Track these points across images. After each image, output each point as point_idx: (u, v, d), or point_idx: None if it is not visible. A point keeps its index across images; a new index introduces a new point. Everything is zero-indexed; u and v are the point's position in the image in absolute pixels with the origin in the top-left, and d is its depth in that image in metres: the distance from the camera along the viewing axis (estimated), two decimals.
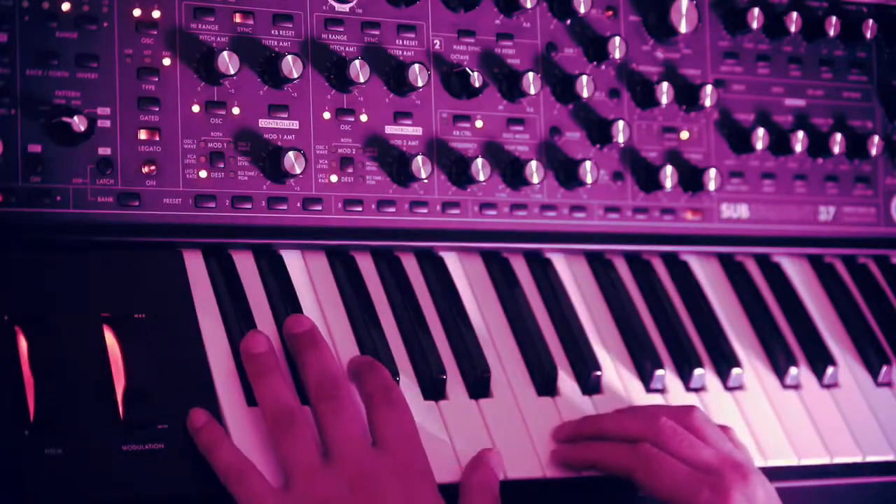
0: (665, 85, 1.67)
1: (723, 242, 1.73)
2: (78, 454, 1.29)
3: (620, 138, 1.64)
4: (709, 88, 1.69)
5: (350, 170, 1.54)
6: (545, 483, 1.45)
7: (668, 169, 1.66)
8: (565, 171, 1.64)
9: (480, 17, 1.62)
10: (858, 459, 1.61)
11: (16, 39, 1.41)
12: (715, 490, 1.36)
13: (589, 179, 1.62)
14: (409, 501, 1.28)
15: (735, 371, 1.61)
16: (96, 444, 1.30)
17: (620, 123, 1.64)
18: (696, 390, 1.60)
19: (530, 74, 1.59)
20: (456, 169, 1.59)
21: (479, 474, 1.37)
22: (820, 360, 1.67)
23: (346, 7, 1.56)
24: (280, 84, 1.51)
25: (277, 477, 1.31)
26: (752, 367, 1.64)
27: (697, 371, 1.60)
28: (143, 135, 1.46)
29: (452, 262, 1.59)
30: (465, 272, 1.59)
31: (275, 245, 1.52)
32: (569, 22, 1.66)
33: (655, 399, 1.56)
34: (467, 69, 1.58)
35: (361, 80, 1.52)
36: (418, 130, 1.58)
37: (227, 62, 1.46)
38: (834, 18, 1.76)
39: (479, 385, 1.49)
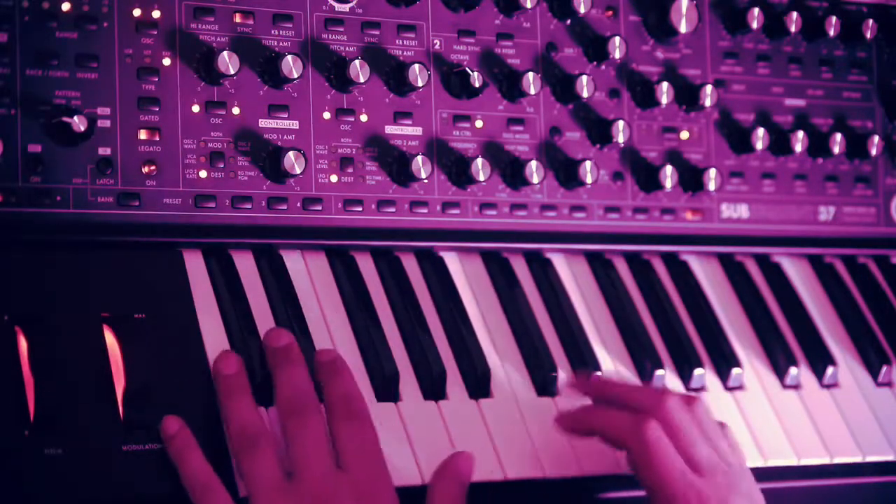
0: (665, 85, 1.67)
1: (723, 242, 1.73)
2: (78, 454, 1.29)
3: (620, 138, 1.64)
4: (709, 88, 1.69)
5: (350, 170, 1.54)
6: (546, 483, 1.45)
7: (668, 169, 1.66)
8: (565, 171, 1.64)
9: (480, 17, 1.62)
10: (858, 459, 1.60)
11: (16, 39, 1.41)
12: (697, 498, 1.36)
13: (589, 179, 1.62)
14: None
15: (735, 371, 1.61)
16: (96, 444, 1.30)
17: (620, 123, 1.64)
18: (696, 390, 1.60)
19: (530, 74, 1.59)
20: (456, 169, 1.59)
21: (445, 476, 1.36)
22: (820, 360, 1.67)
23: (346, 7, 1.56)
24: (280, 84, 1.51)
25: None
26: (752, 367, 1.64)
27: (697, 371, 1.60)
28: (143, 135, 1.46)
29: (452, 262, 1.59)
30: (465, 272, 1.59)
31: (275, 245, 1.52)
32: (569, 22, 1.66)
33: None
34: (467, 69, 1.58)
35: (361, 80, 1.52)
36: (418, 130, 1.58)
37: (227, 62, 1.46)
38: (834, 18, 1.76)
39: (479, 385, 1.49)
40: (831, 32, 1.76)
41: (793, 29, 1.74)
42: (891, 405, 1.67)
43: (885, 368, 1.69)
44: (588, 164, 1.62)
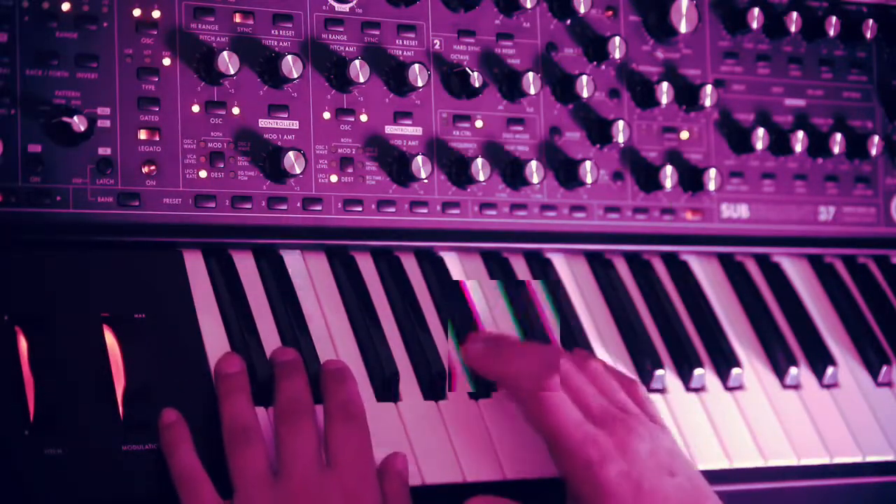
0: (665, 85, 1.67)
1: (723, 242, 1.73)
2: (78, 454, 1.29)
3: (620, 138, 1.64)
4: (709, 88, 1.69)
5: (350, 170, 1.54)
6: (548, 482, 1.45)
7: (668, 169, 1.66)
8: (565, 171, 1.64)
9: (480, 17, 1.62)
10: (858, 459, 1.60)
11: (16, 39, 1.41)
12: (593, 443, 1.34)
13: (589, 179, 1.62)
14: None
15: (735, 371, 1.61)
16: (96, 444, 1.30)
17: (620, 123, 1.64)
18: (696, 390, 1.60)
19: (530, 74, 1.59)
20: (456, 169, 1.59)
21: (388, 475, 1.36)
22: (820, 360, 1.67)
23: (346, 7, 1.56)
24: (280, 84, 1.51)
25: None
26: (752, 367, 1.64)
27: (697, 371, 1.60)
28: (143, 135, 1.46)
29: (452, 262, 1.59)
30: (465, 272, 1.59)
31: (275, 245, 1.52)
32: (569, 22, 1.66)
33: (655, 399, 1.56)
34: (467, 69, 1.58)
35: (361, 80, 1.52)
36: (418, 130, 1.58)
37: (227, 62, 1.46)
38: (834, 18, 1.76)
39: (479, 385, 1.49)
40: (831, 32, 1.76)
41: (793, 29, 1.74)
42: (891, 405, 1.67)
43: (885, 368, 1.69)
44: (588, 164, 1.62)
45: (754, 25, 1.72)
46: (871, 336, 1.72)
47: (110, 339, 1.37)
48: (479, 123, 1.61)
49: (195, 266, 1.47)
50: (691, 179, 1.70)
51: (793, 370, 1.64)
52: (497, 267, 1.61)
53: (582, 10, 1.63)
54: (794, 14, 1.74)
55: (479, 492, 1.39)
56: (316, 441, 1.33)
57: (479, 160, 1.57)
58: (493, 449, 1.45)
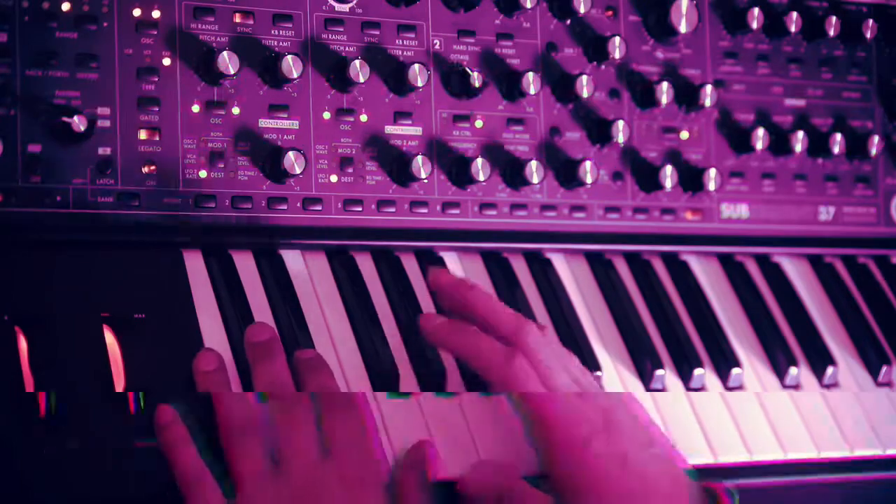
0: (665, 85, 1.67)
1: (723, 242, 1.73)
2: (78, 454, 1.29)
3: (620, 138, 1.64)
4: (709, 88, 1.69)
5: (350, 170, 1.54)
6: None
7: (668, 169, 1.66)
8: (565, 171, 1.64)
9: (480, 16, 1.62)
10: (847, 454, 1.60)
11: (16, 39, 1.41)
12: (581, 415, 1.35)
13: (589, 179, 1.62)
14: None
15: (735, 371, 1.61)
16: (96, 444, 1.30)
17: (620, 123, 1.64)
18: (697, 390, 1.60)
19: (530, 74, 1.59)
20: (456, 169, 1.59)
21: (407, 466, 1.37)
22: (820, 360, 1.67)
23: (346, 7, 1.56)
24: (280, 84, 1.52)
25: None
26: (752, 367, 1.64)
27: (697, 371, 1.60)
28: (143, 135, 1.46)
29: (453, 262, 1.59)
30: (465, 272, 1.59)
31: (275, 245, 1.52)
32: (569, 22, 1.66)
33: (655, 398, 1.56)
34: (467, 69, 1.58)
35: (361, 80, 1.52)
36: (418, 130, 1.58)
37: (227, 62, 1.46)
38: (834, 18, 1.76)
39: (478, 384, 1.49)
40: (831, 32, 1.76)
41: (793, 29, 1.74)
42: (889, 406, 1.67)
43: (884, 368, 1.69)
44: (588, 164, 1.62)
45: (754, 25, 1.72)
46: (871, 336, 1.73)
47: (110, 339, 1.37)
48: (479, 123, 1.61)
49: (195, 266, 1.47)
50: (691, 179, 1.70)
51: (793, 370, 1.64)
52: (497, 267, 1.61)
53: (582, 10, 1.63)
54: (794, 14, 1.74)
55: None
56: (312, 428, 1.32)
57: (479, 160, 1.57)
58: (493, 449, 1.45)
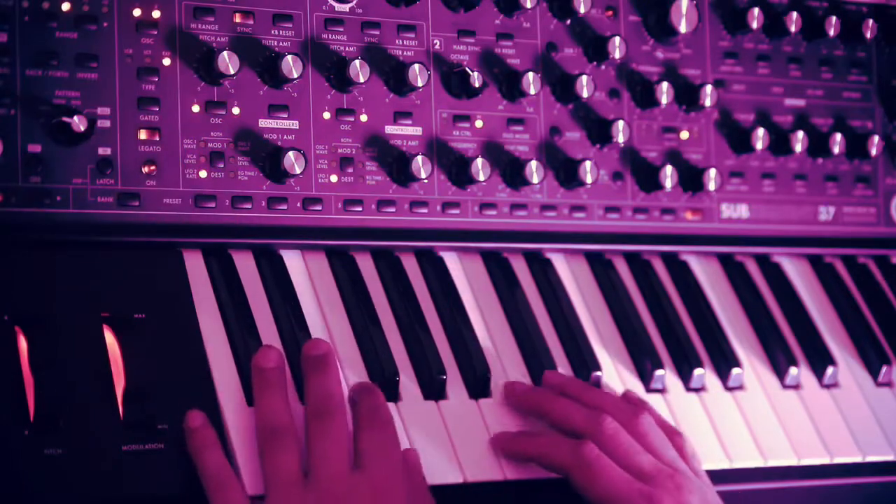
0: (665, 85, 1.67)
1: (723, 242, 1.73)
2: (78, 454, 1.29)
3: (620, 138, 1.64)
4: (709, 88, 1.69)
5: (350, 170, 1.54)
6: (547, 482, 1.45)
7: (668, 169, 1.66)
8: (565, 171, 1.64)
9: (480, 17, 1.62)
10: (858, 459, 1.61)
11: (16, 39, 1.41)
12: (647, 499, 1.36)
13: (589, 179, 1.62)
14: None
15: (735, 371, 1.61)
16: (96, 444, 1.30)
17: (620, 123, 1.64)
18: (696, 390, 1.60)
19: (530, 74, 1.59)
20: (456, 169, 1.59)
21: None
22: (820, 360, 1.67)
23: (346, 7, 1.56)
24: (280, 84, 1.51)
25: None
26: (752, 367, 1.64)
27: (697, 371, 1.60)
28: (143, 135, 1.46)
29: (452, 262, 1.59)
30: (465, 272, 1.59)
31: (275, 245, 1.52)
32: (569, 22, 1.66)
33: (655, 399, 1.56)
34: (467, 69, 1.58)
35: (361, 80, 1.52)
36: (418, 130, 1.58)
37: (227, 62, 1.46)
38: (834, 18, 1.76)
39: (479, 385, 1.49)
40: (831, 32, 1.76)
41: (793, 29, 1.74)
42: (891, 405, 1.67)
43: (884, 368, 1.69)
44: (588, 164, 1.62)
45: (754, 25, 1.72)
46: (871, 336, 1.73)
47: (110, 339, 1.37)
48: (479, 123, 1.61)
49: (195, 266, 1.47)
50: (691, 179, 1.70)
51: (793, 370, 1.64)
52: (497, 267, 1.60)
53: (582, 10, 1.63)
54: (794, 14, 1.74)
55: (479, 493, 1.39)
56: (346, 441, 1.32)
57: (479, 160, 1.57)
58: (494, 449, 1.45)
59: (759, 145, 1.72)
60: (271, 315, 1.46)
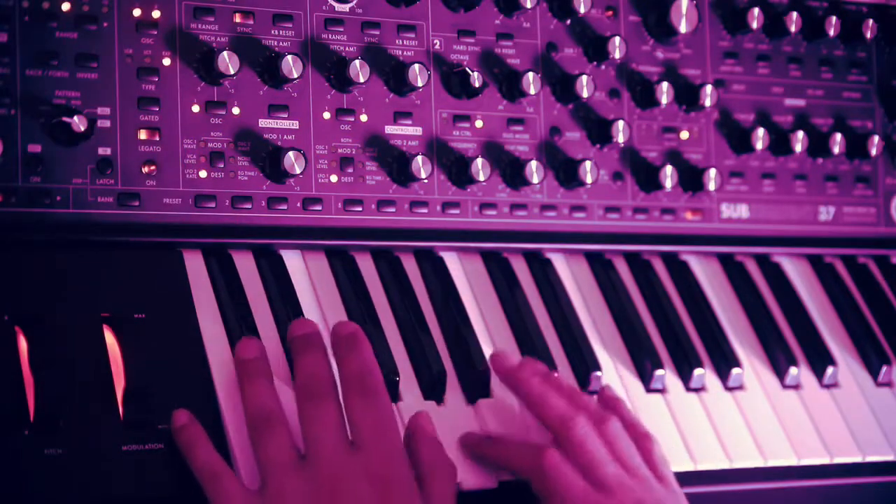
0: (665, 85, 1.67)
1: (723, 242, 1.73)
2: (78, 454, 1.29)
3: (620, 138, 1.64)
4: (709, 88, 1.69)
5: (350, 170, 1.54)
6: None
7: (668, 169, 1.66)
8: (565, 171, 1.64)
9: (480, 17, 1.62)
10: (858, 459, 1.61)
11: (16, 39, 1.41)
12: None
13: (589, 179, 1.62)
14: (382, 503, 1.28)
15: (735, 371, 1.61)
16: (96, 444, 1.30)
17: (620, 123, 1.64)
18: (696, 390, 1.60)
19: (530, 74, 1.59)
20: (456, 169, 1.59)
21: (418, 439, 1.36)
22: (820, 360, 1.67)
23: (346, 7, 1.56)
24: (280, 84, 1.52)
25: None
26: (752, 367, 1.64)
27: (697, 371, 1.60)
28: (143, 135, 1.46)
29: (452, 262, 1.59)
30: (465, 272, 1.59)
31: (275, 245, 1.52)
32: (569, 22, 1.66)
33: (655, 399, 1.56)
34: (467, 69, 1.58)
35: (361, 80, 1.52)
36: (418, 130, 1.58)
37: (227, 62, 1.46)
38: (834, 18, 1.76)
39: (479, 385, 1.49)
40: (831, 32, 1.76)
41: (793, 29, 1.74)
42: (891, 405, 1.67)
43: (884, 368, 1.69)
44: (588, 164, 1.62)
45: (754, 25, 1.72)
46: (871, 336, 1.73)
47: (110, 339, 1.37)
48: (479, 123, 1.61)
49: (195, 266, 1.47)
50: (691, 179, 1.70)
51: (793, 370, 1.64)
52: (497, 267, 1.61)
53: (582, 10, 1.63)
54: (794, 14, 1.74)
55: (479, 495, 1.39)
56: (339, 421, 1.31)
57: (479, 160, 1.57)
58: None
59: (759, 145, 1.72)
60: (271, 315, 1.46)
